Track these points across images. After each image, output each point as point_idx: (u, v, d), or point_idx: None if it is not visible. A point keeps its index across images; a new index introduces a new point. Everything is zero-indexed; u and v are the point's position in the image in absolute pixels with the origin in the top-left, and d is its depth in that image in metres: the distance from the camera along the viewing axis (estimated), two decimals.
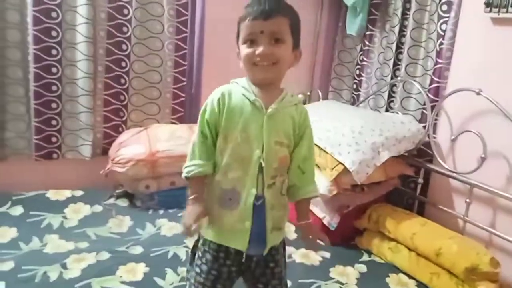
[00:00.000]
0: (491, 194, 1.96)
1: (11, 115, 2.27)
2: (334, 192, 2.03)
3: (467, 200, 2.01)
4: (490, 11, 1.93)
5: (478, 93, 1.93)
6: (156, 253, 1.91)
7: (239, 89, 1.22)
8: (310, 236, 1.29)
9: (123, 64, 2.47)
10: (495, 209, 1.98)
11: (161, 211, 2.31)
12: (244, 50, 1.18)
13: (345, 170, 2.02)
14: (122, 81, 2.49)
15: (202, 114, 1.23)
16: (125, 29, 2.43)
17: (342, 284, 1.83)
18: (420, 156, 2.30)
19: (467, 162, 2.04)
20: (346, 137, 2.08)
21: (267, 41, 1.16)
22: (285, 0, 1.24)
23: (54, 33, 2.26)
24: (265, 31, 1.15)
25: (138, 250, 1.92)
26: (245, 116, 1.19)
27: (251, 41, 1.17)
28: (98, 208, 2.28)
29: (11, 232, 1.96)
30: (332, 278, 1.86)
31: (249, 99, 1.19)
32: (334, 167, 2.03)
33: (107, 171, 2.36)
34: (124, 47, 2.46)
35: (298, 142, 1.26)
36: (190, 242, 1.97)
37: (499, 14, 1.90)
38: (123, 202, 2.37)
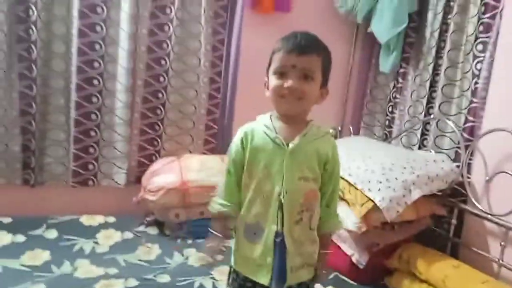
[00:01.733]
0: None
1: (51, 141, 2.37)
2: (364, 229, 2.00)
3: (502, 243, 1.94)
4: None
5: None
6: (183, 283, 1.92)
7: (261, 127, 1.25)
8: (323, 269, 1.32)
9: (160, 95, 2.56)
10: None
11: (190, 241, 2.32)
12: (274, 81, 1.21)
13: (375, 207, 1.99)
14: (158, 112, 2.58)
15: (229, 154, 1.30)
16: (163, 62, 2.53)
17: None
18: (454, 196, 2.24)
19: (503, 203, 1.97)
20: (376, 173, 2.07)
21: (297, 76, 1.18)
22: (320, 38, 1.26)
23: (96, 64, 2.38)
24: (297, 66, 1.18)
25: (165, 278, 1.94)
26: (267, 153, 1.22)
27: (281, 74, 1.20)
28: (129, 235, 2.32)
29: (45, 255, 2.02)
30: None
31: (270, 137, 1.22)
32: (364, 203, 2.01)
33: (139, 199, 2.41)
34: (161, 79, 2.55)
35: (327, 178, 1.26)
36: (217, 273, 1.99)
37: None
38: (153, 230, 2.41)
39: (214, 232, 1.31)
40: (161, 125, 2.60)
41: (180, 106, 2.61)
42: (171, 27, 2.50)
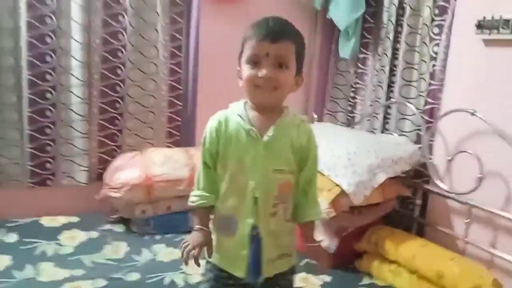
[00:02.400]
0: (490, 214, 1.96)
1: (5, 140, 2.25)
2: (332, 215, 2.01)
3: (466, 220, 2.00)
4: (482, 32, 1.97)
5: (472, 114, 1.95)
6: (153, 280, 1.87)
7: (235, 117, 1.21)
8: (317, 261, 1.30)
9: (118, 88, 2.47)
10: (495, 229, 1.97)
11: (158, 237, 2.27)
12: (247, 70, 1.16)
13: (343, 192, 2.01)
14: (117, 105, 2.49)
15: (203, 144, 1.25)
16: (119, 54, 2.45)
17: None
18: (418, 177, 2.30)
19: (465, 182, 2.04)
20: (342, 159, 2.08)
21: (271, 65, 1.15)
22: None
23: (48, 58, 2.27)
24: (271, 54, 1.14)
25: (134, 277, 1.89)
26: (241, 144, 1.19)
27: (255, 62, 1.15)
28: (94, 234, 2.24)
29: (5, 260, 1.91)
30: None
31: (243, 128, 1.19)
32: (331, 189, 2.02)
33: (102, 197, 2.33)
34: (119, 71, 2.46)
35: (303, 165, 1.24)
36: (187, 269, 1.96)
37: (490, 35, 1.94)
38: (119, 228, 2.34)
39: (197, 226, 1.25)
40: (121, 119, 2.51)
41: (140, 99, 2.53)
42: (126, 17, 2.41)
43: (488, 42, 1.98)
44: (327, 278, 2.00)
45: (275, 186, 1.19)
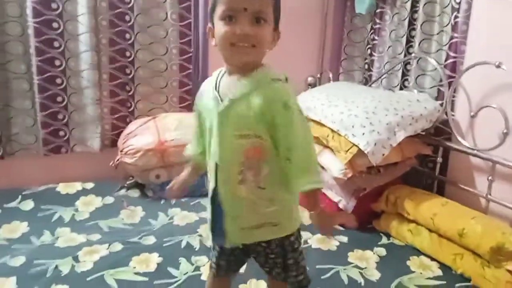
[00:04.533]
0: None
1: (16, 110, 2.23)
2: (349, 175, 1.97)
3: (490, 177, 1.93)
4: None
5: (498, 66, 1.84)
6: (169, 243, 1.87)
7: (210, 84, 1.16)
8: (322, 225, 1.18)
9: (128, 54, 2.42)
10: None
11: (173, 201, 2.26)
12: (222, 27, 1.06)
13: (360, 152, 1.95)
14: (128, 71, 2.44)
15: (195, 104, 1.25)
16: (127, 17, 2.37)
17: (362, 268, 1.77)
18: (438, 134, 2.21)
19: (488, 138, 1.95)
20: (360, 118, 2.01)
21: (249, 20, 1.05)
22: None
23: (55, 25, 2.21)
24: (249, 9, 1.04)
25: (151, 240, 1.89)
26: (209, 112, 1.14)
27: (230, 17, 1.05)
28: (110, 200, 2.25)
29: (22, 227, 1.93)
30: (350, 263, 1.80)
31: (212, 94, 1.13)
32: (348, 149, 1.97)
33: (116, 163, 2.32)
34: (127, 36, 2.40)
35: (273, 131, 1.10)
36: (203, 231, 1.95)
37: None
38: (134, 193, 2.34)
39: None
40: (132, 85, 2.47)
41: (150, 64, 2.48)
42: None
43: None
44: (344, 239, 1.97)
45: (240, 152, 1.11)
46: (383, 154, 1.94)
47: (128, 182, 2.38)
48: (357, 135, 1.96)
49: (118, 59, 2.41)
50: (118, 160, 2.31)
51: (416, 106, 2.09)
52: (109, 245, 1.81)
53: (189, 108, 2.61)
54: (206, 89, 1.18)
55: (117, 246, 1.81)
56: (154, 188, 2.32)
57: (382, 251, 1.91)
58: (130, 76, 2.45)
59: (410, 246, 1.93)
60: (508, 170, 1.89)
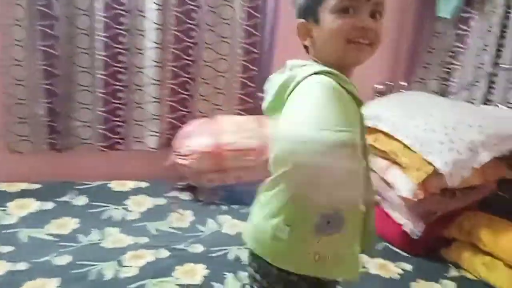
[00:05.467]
0: None
1: (78, 104, 2.23)
2: (421, 197, 1.76)
3: None
4: None
5: None
6: (217, 253, 1.77)
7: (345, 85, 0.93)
8: None
9: (191, 52, 2.35)
10: None
11: (224, 207, 2.17)
12: (336, 20, 0.90)
13: (435, 172, 1.74)
14: (189, 69, 2.37)
15: None
16: (194, 15, 2.30)
17: None
18: None
19: None
20: (438, 133, 1.79)
21: (368, 14, 0.90)
22: None
23: (122, 20, 2.18)
24: (371, 0, 0.90)
25: (198, 248, 1.79)
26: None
27: (345, 10, 0.90)
28: (161, 201, 2.18)
29: (73, 223, 1.90)
30: None
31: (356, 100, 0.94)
32: (422, 167, 1.76)
33: (171, 163, 2.26)
34: (193, 33, 2.33)
35: None
36: None
37: None
38: (186, 196, 2.26)
39: None
40: (192, 84, 2.40)
41: (213, 63, 2.39)
42: None
43: None
44: (408, 267, 1.77)
45: None
46: (462, 177, 1.71)
47: (180, 184, 2.31)
48: (433, 152, 1.75)
49: (182, 57, 2.34)
50: (172, 160, 2.25)
51: (504, 124, 1.84)
52: (156, 251, 1.73)
53: (249, 111, 2.50)
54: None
55: (163, 253, 1.73)
56: (206, 192, 2.23)
57: (451, 285, 1.69)
58: (193, 75, 2.38)
59: (484, 281, 1.69)
60: None
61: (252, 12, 2.39)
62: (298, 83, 0.90)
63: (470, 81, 2.25)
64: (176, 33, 2.30)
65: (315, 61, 0.97)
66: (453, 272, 1.77)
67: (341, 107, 0.85)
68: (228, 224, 2.02)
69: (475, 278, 1.73)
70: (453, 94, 2.37)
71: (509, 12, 2.08)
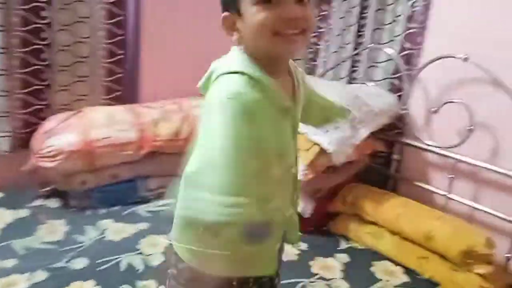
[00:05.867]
0: (474, 168, 1.83)
1: None
2: (310, 176, 1.80)
3: (451, 175, 1.86)
4: None
5: (465, 60, 1.76)
6: (106, 265, 1.57)
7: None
8: None
9: (44, 35, 2.01)
10: (478, 184, 1.85)
11: (103, 210, 1.94)
12: (259, 13, 0.82)
13: (321, 151, 1.79)
14: (44, 56, 2.04)
15: None
16: None
17: (328, 279, 1.62)
18: (392, 130, 2.12)
19: (447, 135, 1.88)
20: None
21: (293, 1, 0.83)
22: None
23: None
24: None
25: (81, 263, 1.57)
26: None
27: (266, 0, 0.82)
28: (23, 212, 1.87)
29: None
30: (315, 274, 1.64)
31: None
32: (309, 148, 1.79)
33: (31, 167, 1.93)
34: (43, 13, 1.99)
35: None
36: (144, 246, 1.68)
37: None
38: (54, 203, 1.98)
39: None
40: (48, 73, 2.07)
41: (71, 48, 2.09)
42: None
43: None
44: (303, 246, 1.81)
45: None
46: (347, 153, 1.80)
47: (44, 190, 2.01)
48: (318, 133, 1.78)
49: (31, 42, 1.99)
50: (33, 164, 1.93)
51: (376, 101, 1.97)
52: (30, 274, 1.46)
53: (118, 99, 2.27)
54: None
55: (40, 275, 1.47)
56: (78, 196, 1.97)
57: (344, 258, 1.77)
58: (47, 62, 2.05)
59: (371, 249, 1.82)
60: (469, 167, 1.84)
61: None
62: (217, 77, 0.85)
63: (339, 60, 2.36)
64: (23, 12, 1.94)
65: (244, 52, 0.89)
66: (343, 244, 1.87)
67: (252, 131, 0.81)
68: (111, 229, 1.81)
69: (362, 247, 1.84)
70: (320, 73, 2.47)
71: None
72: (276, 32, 0.83)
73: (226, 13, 0.88)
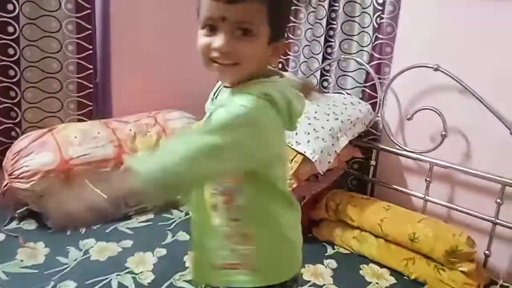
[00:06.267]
0: (448, 171, 1.93)
1: None
2: (295, 185, 1.83)
3: (428, 179, 1.95)
4: None
5: (436, 69, 1.86)
6: (96, 287, 1.53)
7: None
8: None
9: (11, 51, 1.93)
10: (453, 185, 1.96)
11: (83, 230, 1.88)
12: (201, 38, 0.87)
13: (305, 161, 1.82)
14: (11, 72, 1.95)
15: None
16: (10, 6, 1.89)
17: (320, 286, 1.66)
18: (366, 136, 2.20)
19: (421, 140, 1.98)
20: (302, 124, 1.88)
21: (230, 32, 0.83)
22: None
23: None
24: (228, 19, 0.82)
25: (70, 286, 1.53)
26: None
27: (211, 27, 0.85)
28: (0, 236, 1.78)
29: None
30: (308, 281, 1.68)
31: None
32: (293, 158, 1.82)
33: (3, 189, 1.85)
34: (10, 29, 1.91)
35: None
36: (133, 265, 1.65)
37: None
38: (30, 225, 1.90)
39: None
40: (17, 90, 1.98)
41: (41, 63, 2.02)
42: None
43: None
44: None
45: None
46: (329, 162, 1.85)
47: (19, 211, 1.92)
48: (302, 142, 1.82)
49: None
50: (6, 185, 1.84)
51: (351, 110, 2.03)
52: None
53: (89, 115, 2.21)
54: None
55: None
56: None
57: (333, 263, 1.82)
58: (15, 79, 1.96)
59: (357, 253, 1.88)
60: (444, 170, 1.94)
61: (82, 2, 2.08)
62: None
63: (313, 70, 2.41)
64: None
65: None
66: (330, 250, 1.91)
67: None
68: (95, 248, 1.76)
69: (349, 252, 1.90)
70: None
71: (335, 5, 2.28)
72: (211, 59, 0.86)
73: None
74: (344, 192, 2.07)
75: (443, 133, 1.87)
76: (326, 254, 1.88)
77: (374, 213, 1.87)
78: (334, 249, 1.93)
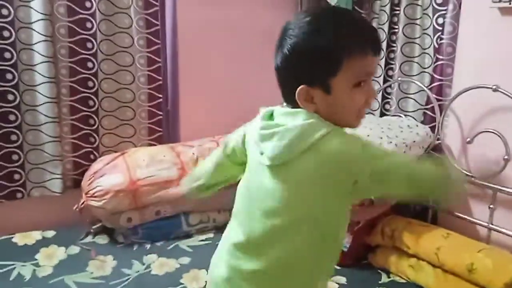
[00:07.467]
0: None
1: None
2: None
3: (491, 206, 1.84)
4: (499, 1, 1.77)
5: (495, 90, 1.77)
6: None
7: None
8: None
9: (90, 84, 2.18)
10: None
11: (148, 246, 2.03)
12: (356, 94, 0.90)
13: None
14: (91, 103, 2.20)
15: None
16: (89, 44, 2.15)
17: None
18: None
19: (483, 165, 1.87)
20: None
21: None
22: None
23: (7, 55, 1.95)
24: (376, 70, 0.97)
25: None
26: None
27: (358, 84, 0.90)
28: (74, 249, 1.97)
29: None
30: None
31: None
32: None
33: (81, 207, 2.06)
34: (89, 64, 2.17)
35: None
36: (188, 282, 1.74)
37: (510, 4, 1.74)
38: (103, 240, 2.08)
39: None
40: (96, 118, 2.23)
41: (116, 94, 2.25)
42: (93, 2, 2.11)
43: (505, 11, 1.79)
44: (342, 280, 1.82)
45: None
46: None
47: (94, 227, 2.13)
48: None
49: (79, 90, 2.16)
50: (83, 203, 2.06)
51: (408, 133, 1.99)
52: None
53: (159, 140, 2.40)
54: None
55: None
56: (125, 232, 2.07)
57: None
58: (94, 108, 2.21)
59: (413, 283, 1.81)
60: (509, 197, 1.81)
61: (152, 38, 2.29)
62: (316, 141, 0.89)
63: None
64: (70, 64, 2.12)
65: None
66: (384, 278, 1.86)
67: None
68: (156, 263, 1.89)
69: (404, 281, 1.83)
70: None
71: (395, 28, 2.27)
72: (360, 111, 0.94)
73: (303, 87, 0.91)
74: (401, 218, 2.01)
75: (506, 157, 1.75)
76: (380, 282, 1.83)
77: (431, 240, 1.80)
78: (389, 277, 1.87)
